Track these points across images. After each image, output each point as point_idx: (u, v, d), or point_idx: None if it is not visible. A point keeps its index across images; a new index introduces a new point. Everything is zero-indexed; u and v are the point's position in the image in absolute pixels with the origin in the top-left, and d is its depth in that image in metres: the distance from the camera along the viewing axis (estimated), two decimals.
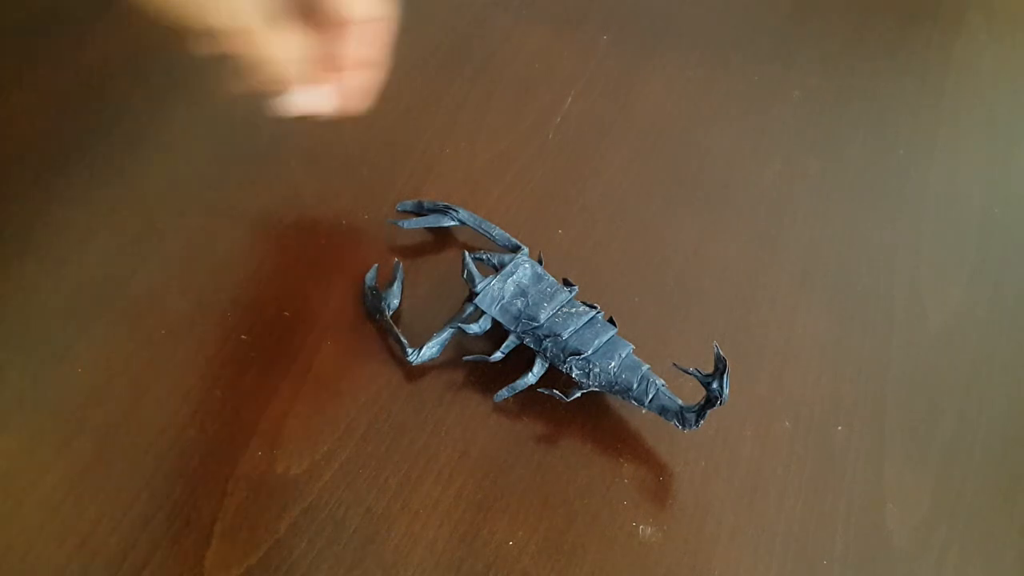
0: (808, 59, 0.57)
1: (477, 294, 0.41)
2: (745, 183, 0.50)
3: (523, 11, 0.58)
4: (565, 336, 0.39)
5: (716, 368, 0.36)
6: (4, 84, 0.49)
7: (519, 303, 0.40)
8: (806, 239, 0.48)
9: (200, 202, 0.46)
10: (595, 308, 0.40)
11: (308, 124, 0.43)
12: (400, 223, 0.45)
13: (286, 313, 0.42)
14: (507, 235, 0.44)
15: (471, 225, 0.45)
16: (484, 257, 0.43)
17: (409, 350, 0.40)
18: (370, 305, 0.42)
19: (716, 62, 0.56)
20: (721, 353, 0.36)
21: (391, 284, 0.43)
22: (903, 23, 0.60)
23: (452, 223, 0.45)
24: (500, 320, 0.40)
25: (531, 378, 0.40)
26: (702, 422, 0.37)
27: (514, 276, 0.41)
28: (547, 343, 0.39)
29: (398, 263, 0.44)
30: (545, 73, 0.55)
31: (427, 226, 0.45)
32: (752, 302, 0.45)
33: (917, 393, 0.42)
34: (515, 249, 0.44)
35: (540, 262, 0.43)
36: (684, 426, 0.38)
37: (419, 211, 0.46)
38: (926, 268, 0.47)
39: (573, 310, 0.40)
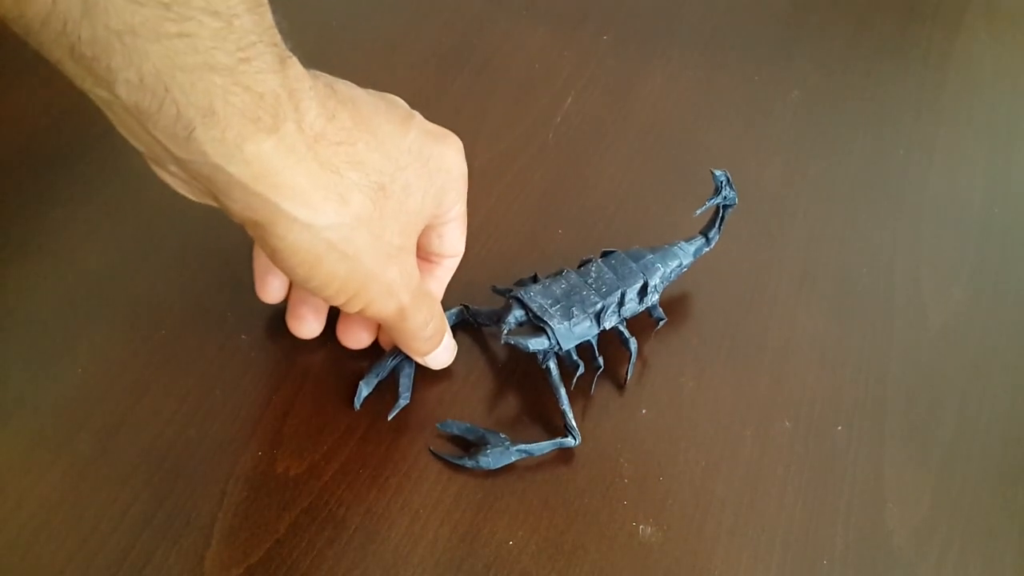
0: (808, 59, 0.57)
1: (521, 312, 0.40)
2: (745, 183, 0.50)
3: (523, 11, 0.58)
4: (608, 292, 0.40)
5: (718, 185, 0.41)
6: (4, 84, 0.49)
7: (558, 291, 0.40)
8: (806, 239, 0.48)
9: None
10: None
11: None
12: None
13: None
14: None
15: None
16: (482, 313, 0.42)
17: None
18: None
19: (716, 62, 0.56)
20: (718, 172, 0.41)
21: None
22: (903, 23, 0.60)
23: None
24: (540, 306, 0.39)
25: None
26: (723, 228, 0.43)
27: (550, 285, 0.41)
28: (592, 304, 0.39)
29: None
30: (545, 73, 0.55)
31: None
32: (752, 302, 0.45)
33: (917, 393, 0.42)
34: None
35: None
36: (710, 244, 0.43)
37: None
38: (926, 268, 0.47)
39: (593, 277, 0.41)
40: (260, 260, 0.40)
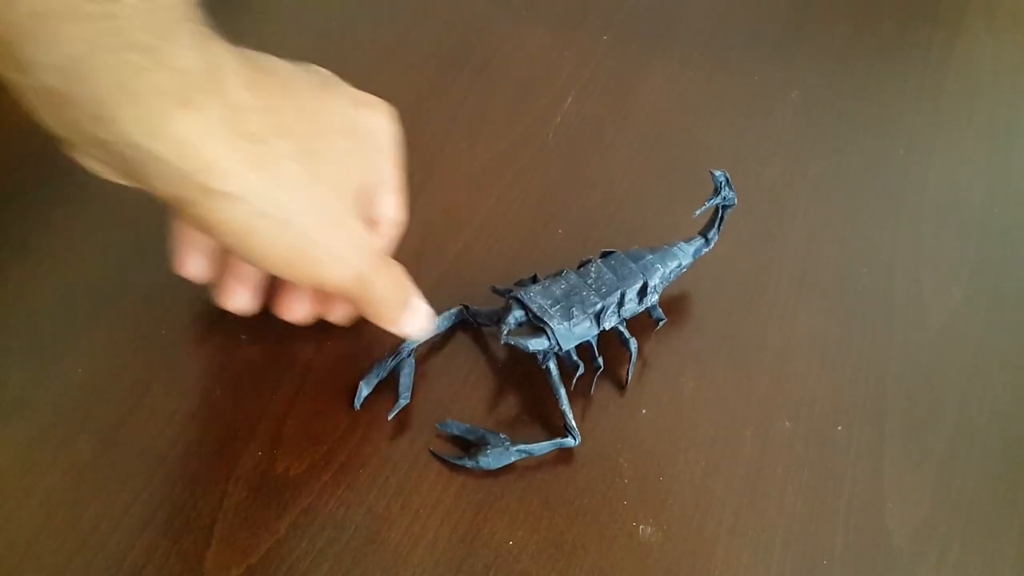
0: (808, 59, 0.57)
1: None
2: (745, 183, 0.50)
3: (523, 11, 0.58)
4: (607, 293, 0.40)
5: (717, 186, 0.42)
6: (4, 84, 0.49)
7: (558, 291, 0.40)
8: (806, 239, 0.48)
9: None
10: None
11: None
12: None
13: None
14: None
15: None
16: (482, 313, 0.42)
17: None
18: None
19: (716, 62, 0.56)
20: (717, 172, 0.41)
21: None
22: (903, 23, 0.60)
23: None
24: (540, 306, 0.39)
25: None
26: (722, 228, 0.43)
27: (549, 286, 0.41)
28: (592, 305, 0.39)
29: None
30: (545, 73, 0.55)
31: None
32: (752, 301, 0.45)
33: (917, 393, 0.42)
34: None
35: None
36: (709, 244, 0.43)
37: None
38: (926, 268, 0.47)
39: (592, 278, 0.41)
40: (179, 235, 0.39)
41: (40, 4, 0.25)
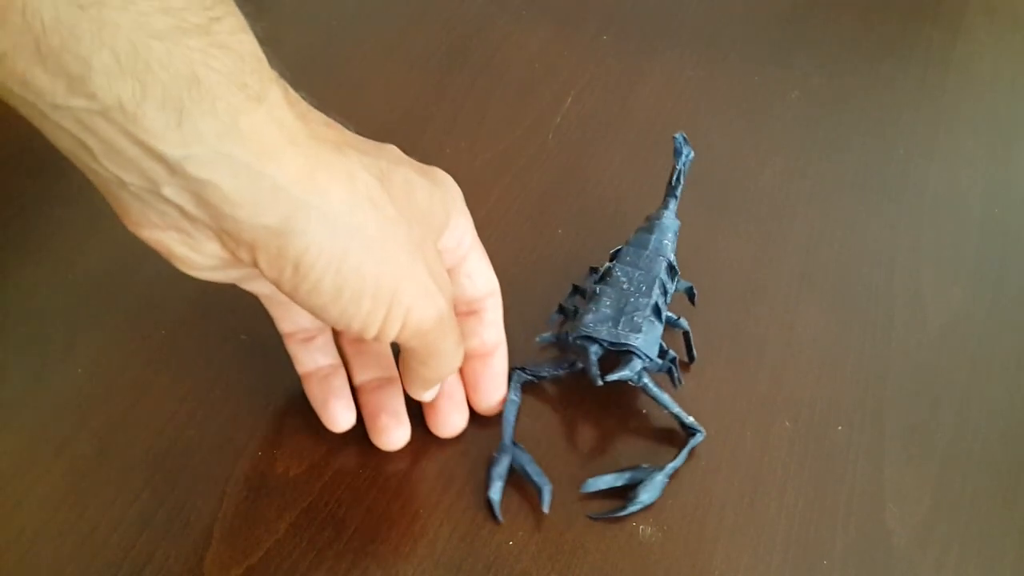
0: (808, 59, 0.57)
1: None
2: (745, 183, 0.50)
3: (523, 11, 0.58)
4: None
5: (678, 147, 0.42)
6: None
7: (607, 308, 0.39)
8: (806, 239, 0.48)
9: None
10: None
11: None
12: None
13: None
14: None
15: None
16: (542, 368, 0.40)
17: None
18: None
19: (716, 62, 0.56)
20: (677, 135, 0.42)
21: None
22: (903, 23, 0.60)
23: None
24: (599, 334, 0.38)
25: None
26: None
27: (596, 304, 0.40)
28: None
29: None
30: (545, 73, 0.55)
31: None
32: (752, 302, 0.45)
33: (918, 393, 0.42)
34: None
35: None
36: (678, 199, 0.43)
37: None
38: (926, 267, 0.47)
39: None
40: (313, 390, 0.38)
41: None
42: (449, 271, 0.35)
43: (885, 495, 0.39)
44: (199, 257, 0.30)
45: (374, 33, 0.57)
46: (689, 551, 0.36)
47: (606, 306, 0.39)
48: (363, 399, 0.38)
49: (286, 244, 0.28)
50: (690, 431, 0.39)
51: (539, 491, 0.37)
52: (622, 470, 0.38)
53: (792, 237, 0.48)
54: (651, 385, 0.39)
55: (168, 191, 0.27)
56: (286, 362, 0.41)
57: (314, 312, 0.30)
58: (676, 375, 0.40)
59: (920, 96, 0.56)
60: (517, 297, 0.41)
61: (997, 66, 0.58)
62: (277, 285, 0.29)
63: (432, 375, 0.35)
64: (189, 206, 0.27)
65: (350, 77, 0.54)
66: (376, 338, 0.31)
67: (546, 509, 0.37)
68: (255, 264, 0.29)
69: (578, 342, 0.39)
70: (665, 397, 0.39)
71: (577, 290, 0.43)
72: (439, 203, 0.33)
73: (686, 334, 0.41)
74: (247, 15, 0.27)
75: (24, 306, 0.42)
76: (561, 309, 0.42)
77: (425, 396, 0.37)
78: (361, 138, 0.31)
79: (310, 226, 0.28)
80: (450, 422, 0.38)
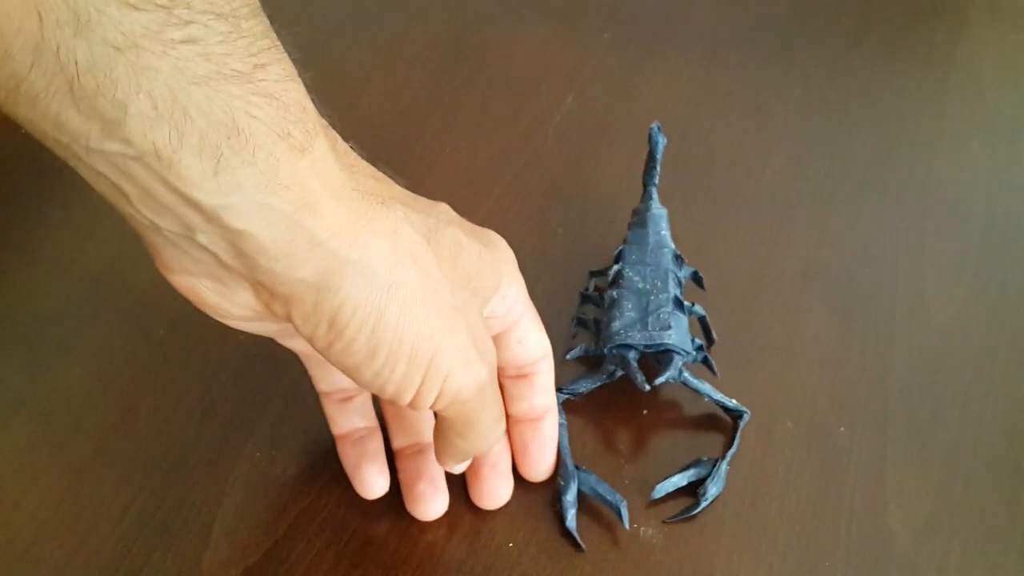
0: (809, 58, 0.57)
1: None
2: (746, 182, 0.50)
3: (523, 10, 0.58)
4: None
5: (653, 135, 0.43)
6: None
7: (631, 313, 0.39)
8: (807, 238, 0.48)
9: None
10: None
11: None
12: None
13: None
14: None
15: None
16: (580, 384, 0.40)
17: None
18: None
19: (716, 61, 0.56)
20: (653, 125, 0.42)
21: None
22: (904, 23, 0.60)
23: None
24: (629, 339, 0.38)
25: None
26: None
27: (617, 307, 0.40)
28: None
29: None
30: (545, 72, 0.55)
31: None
32: (753, 302, 0.45)
33: (920, 394, 0.42)
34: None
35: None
36: (657, 187, 0.43)
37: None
38: (929, 267, 0.47)
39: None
40: (347, 452, 0.37)
41: (119, 34, 0.22)
42: (498, 336, 0.34)
43: (887, 496, 0.38)
44: (232, 307, 0.29)
45: (374, 30, 0.56)
46: (690, 552, 0.36)
47: (629, 310, 0.39)
48: (401, 464, 0.37)
49: (322, 299, 0.27)
50: (736, 414, 0.39)
51: (616, 510, 0.36)
52: (684, 468, 0.38)
53: (794, 237, 0.48)
54: (691, 378, 0.39)
55: (204, 239, 0.26)
56: (286, 362, 0.41)
57: (348, 373, 0.29)
58: (711, 363, 0.40)
59: (922, 95, 0.55)
60: None
61: (1000, 65, 0.58)
62: (311, 342, 0.28)
63: (468, 448, 0.33)
64: (224, 255, 0.26)
65: (349, 75, 0.54)
66: (412, 405, 0.30)
67: (626, 525, 0.36)
68: (289, 318, 0.28)
69: (615, 351, 0.39)
70: (706, 386, 0.39)
71: (586, 298, 0.43)
72: (489, 267, 0.32)
73: (702, 319, 0.42)
74: (295, 61, 0.26)
75: (23, 306, 0.42)
76: (580, 321, 0.42)
77: (456, 469, 0.36)
78: (412, 194, 0.30)
79: (347, 281, 0.27)
80: (496, 494, 0.37)
